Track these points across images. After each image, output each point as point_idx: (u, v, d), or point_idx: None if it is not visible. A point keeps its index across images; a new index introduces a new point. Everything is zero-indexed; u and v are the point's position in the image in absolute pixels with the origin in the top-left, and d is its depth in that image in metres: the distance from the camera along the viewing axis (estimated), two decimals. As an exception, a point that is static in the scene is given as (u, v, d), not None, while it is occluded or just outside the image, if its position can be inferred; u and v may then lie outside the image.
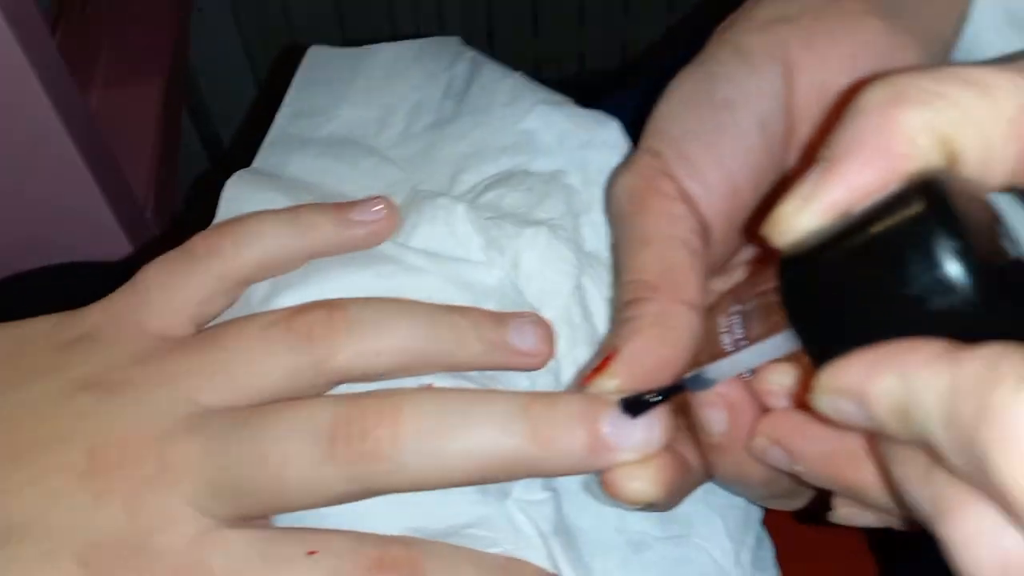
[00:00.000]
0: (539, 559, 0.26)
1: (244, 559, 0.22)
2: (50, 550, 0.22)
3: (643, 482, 0.23)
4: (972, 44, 0.34)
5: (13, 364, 0.25)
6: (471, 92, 0.36)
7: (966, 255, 0.18)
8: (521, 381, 0.29)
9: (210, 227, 0.28)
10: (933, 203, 0.18)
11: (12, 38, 0.46)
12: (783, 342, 0.22)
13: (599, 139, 0.33)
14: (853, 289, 0.19)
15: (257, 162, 0.34)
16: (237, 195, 0.31)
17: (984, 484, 0.16)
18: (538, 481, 0.27)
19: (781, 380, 0.24)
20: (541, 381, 0.29)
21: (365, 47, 0.38)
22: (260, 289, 0.29)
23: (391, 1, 1.16)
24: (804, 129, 0.27)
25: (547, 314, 0.29)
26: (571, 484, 0.29)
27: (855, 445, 0.22)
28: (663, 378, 0.24)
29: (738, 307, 0.26)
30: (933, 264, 0.18)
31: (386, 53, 0.37)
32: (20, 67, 0.47)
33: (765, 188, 0.28)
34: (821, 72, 0.27)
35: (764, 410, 0.25)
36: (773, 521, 0.34)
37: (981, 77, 0.19)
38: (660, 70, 0.46)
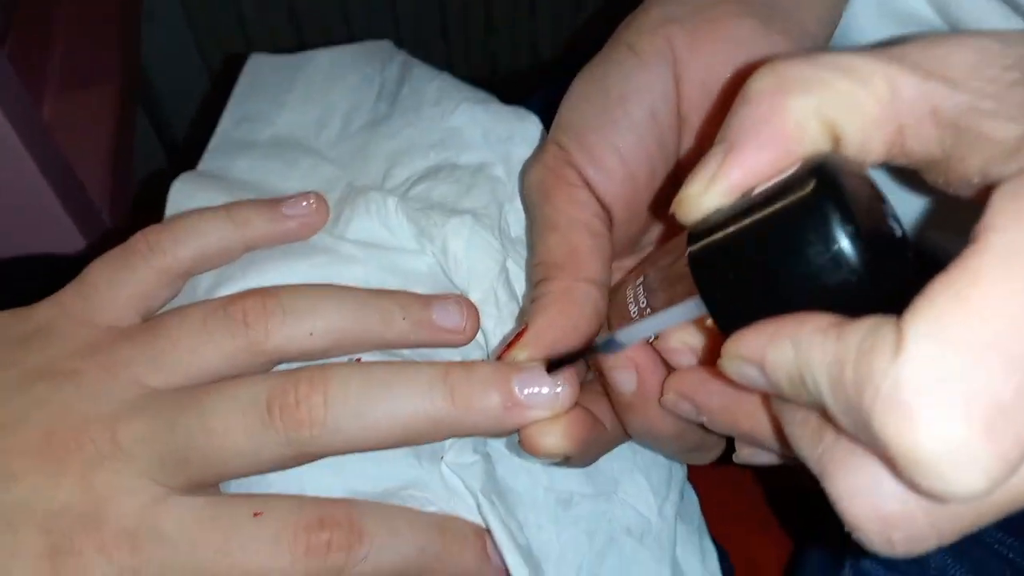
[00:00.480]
0: (471, 515, 0.28)
1: (195, 522, 0.24)
2: (12, 522, 0.24)
3: (555, 437, 0.26)
4: (850, 30, 0.37)
5: None
6: (402, 93, 0.38)
7: (856, 234, 0.19)
8: (454, 358, 0.31)
9: (151, 225, 0.30)
10: (826, 185, 0.20)
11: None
12: (688, 309, 0.24)
13: (520, 133, 0.35)
14: (755, 264, 0.21)
15: (202, 165, 0.36)
16: (182, 195, 0.33)
17: (870, 441, 0.18)
18: (468, 445, 0.30)
19: (686, 339, 0.26)
20: (473, 356, 0.31)
21: (303, 53, 0.40)
22: (205, 280, 0.31)
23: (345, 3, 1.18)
24: (693, 120, 0.30)
25: (474, 296, 0.31)
26: (502, 448, 0.31)
27: (751, 398, 0.24)
28: (567, 347, 0.27)
29: (640, 279, 0.28)
30: (827, 242, 0.19)
31: (323, 58, 0.39)
32: None
33: (660, 174, 0.30)
34: (704, 68, 0.29)
35: (669, 369, 0.27)
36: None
37: (856, 64, 0.21)
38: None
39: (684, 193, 0.22)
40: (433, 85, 0.38)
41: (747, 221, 0.21)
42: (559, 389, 0.26)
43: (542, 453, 0.26)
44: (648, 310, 0.28)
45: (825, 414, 0.19)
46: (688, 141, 0.30)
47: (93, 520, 0.24)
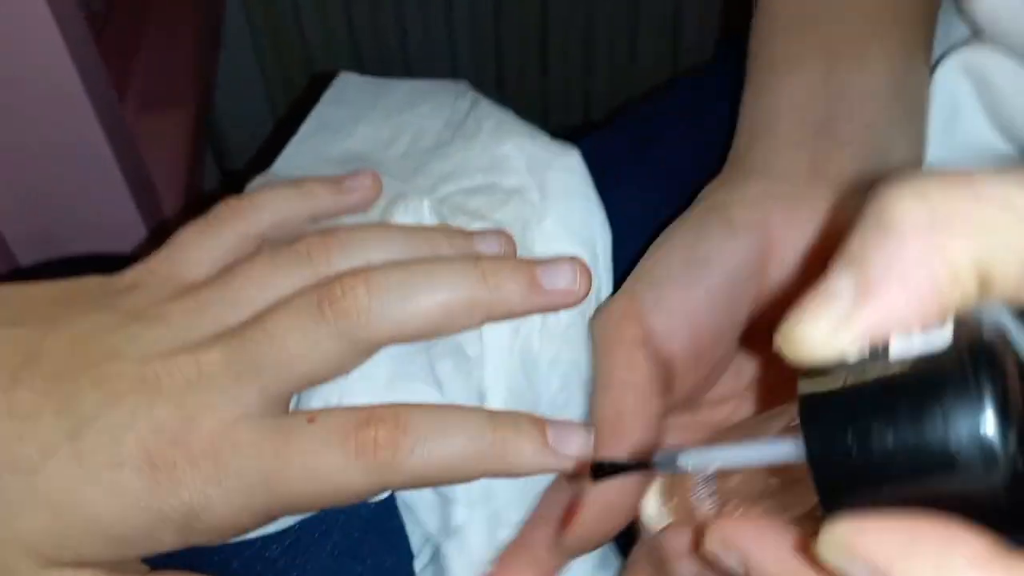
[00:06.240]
0: None
1: (263, 433, 0.28)
2: (117, 436, 0.27)
3: None
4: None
5: (71, 304, 0.30)
6: (466, 123, 0.42)
7: (1019, 443, 0.17)
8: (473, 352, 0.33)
9: (232, 196, 0.34)
10: (991, 375, 0.18)
11: (63, 47, 0.50)
12: (779, 451, 0.21)
13: (559, 163, 0.38)
14: (882, 439, 0.18)
15: (277, 166, 0.40)
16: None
17: None
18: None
19: (681, 541, 0.27)
20: (469, 350, 0.33)
21: (388, 79, 0.44)
22: None
23: (404, 47, 1.23)
24: (779, 298, 0.31)
25: None
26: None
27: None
28: (609, 520, 0.28)
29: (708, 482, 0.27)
30: (982, 445, 0.17)
31: (405, 87, 0.44)
32: (68, 76, 0.52)
33: (726, 341, 0.31)
34: (797, 249, 0.30)
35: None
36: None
37: (1016, 198, 0.19)
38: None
39: (805, 330, 0.20)
40: (494, 117, 0.41)
41: (882, 386, 0.19)
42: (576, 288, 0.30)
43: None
44: (715, 496, 0.26)
45: None
46: (767, 313, 0.31)
47: (184, 436, 0.27)
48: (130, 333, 0.29)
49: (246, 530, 0.28)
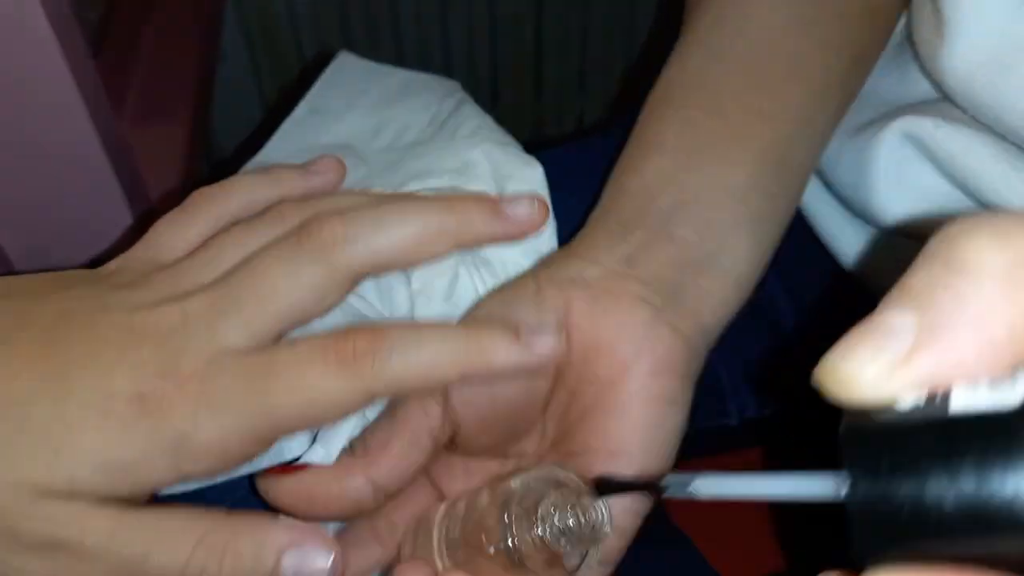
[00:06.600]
0: None
1: (249, 355, 0.29)
2: (107, 372, 0.28)
3: None
4: (870, 204, 0.40)
5: (59, 284, 0.31)
6: (448, 123, 0.43)
7: None
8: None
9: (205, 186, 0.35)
10: None
11: (61, 59, 0.51)
12: (818, 486, 0.19)
13: (520, 175, 0.39)
14: (939, 493, 0.16)
15: (266, 150, 0.42)
16: None
17: None
18: None
19: None
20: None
21: (385, 65, 0.46)
22: None
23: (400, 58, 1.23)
24: (568, 377, 0.33)
25: (415, 284, 0.36)
26: None
27: None
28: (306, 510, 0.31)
29: (445, 525, 0.30)
30: None
31: (399, 77, 0.46)
32: (65, 87, 0.52)
33: (524, 413, 0.33)
34: (590, 337, 0.32)
35: None
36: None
37: None
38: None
39: (855, 368, 0.17)
40: (473, 122, 0.43)
41: (942, 438, 0.17)
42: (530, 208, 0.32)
43: None
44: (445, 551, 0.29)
45: None
46: (560, 392, 0.33)
47: (171, 369, 0.28)
48: (116, 297, 0.30)
49: (236, 459, 0.29)
